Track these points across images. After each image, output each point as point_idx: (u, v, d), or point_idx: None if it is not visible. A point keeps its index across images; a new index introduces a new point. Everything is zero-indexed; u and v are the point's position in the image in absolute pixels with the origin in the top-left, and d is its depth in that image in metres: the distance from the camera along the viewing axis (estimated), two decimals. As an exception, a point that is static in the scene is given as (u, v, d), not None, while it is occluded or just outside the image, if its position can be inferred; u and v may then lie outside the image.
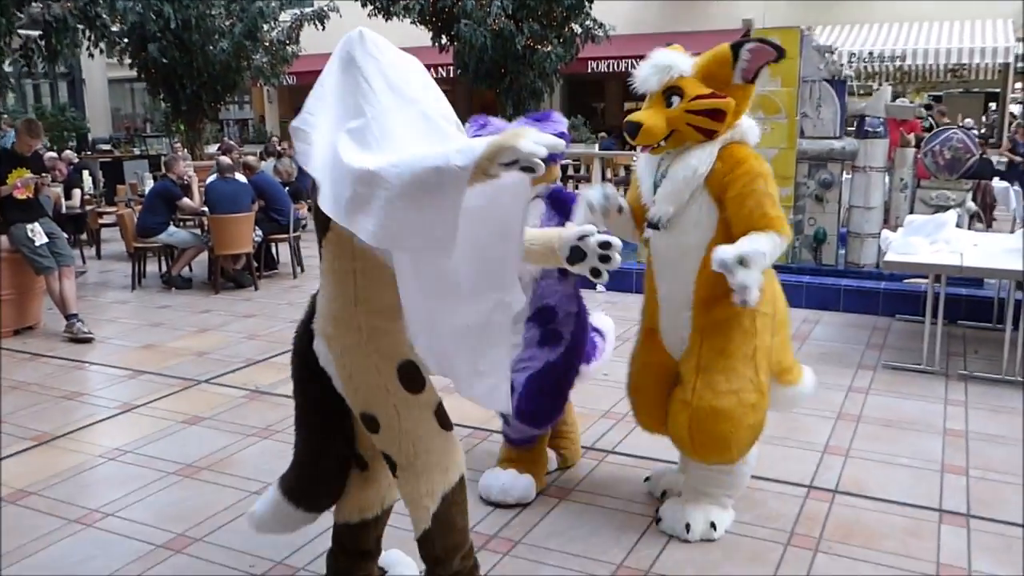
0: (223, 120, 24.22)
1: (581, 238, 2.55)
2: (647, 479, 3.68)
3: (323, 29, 16.11)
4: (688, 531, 3.20)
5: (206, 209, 8.32)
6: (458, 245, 2.03)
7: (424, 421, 2.45)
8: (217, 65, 14.94)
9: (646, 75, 3.00)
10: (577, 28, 15.19)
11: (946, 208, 7.14)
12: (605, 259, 2.53)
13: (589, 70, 19.38)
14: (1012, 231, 9.63)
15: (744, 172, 2.94)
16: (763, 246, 2.83)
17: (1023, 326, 5.07)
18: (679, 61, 2.97)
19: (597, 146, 18.46)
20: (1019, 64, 17.84)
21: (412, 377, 2.41)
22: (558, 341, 3.44)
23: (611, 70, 19.71)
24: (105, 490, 3.78)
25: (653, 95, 3.02)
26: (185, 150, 15.42)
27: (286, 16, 16.36)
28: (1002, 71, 17.84)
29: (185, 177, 9.13)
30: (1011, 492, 3.62)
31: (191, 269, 8.92)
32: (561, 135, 3.14)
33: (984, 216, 9.66)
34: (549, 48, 14.74)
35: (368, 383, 2.40)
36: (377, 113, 2.24)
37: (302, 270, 9.11)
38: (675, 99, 2.95)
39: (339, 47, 2.42)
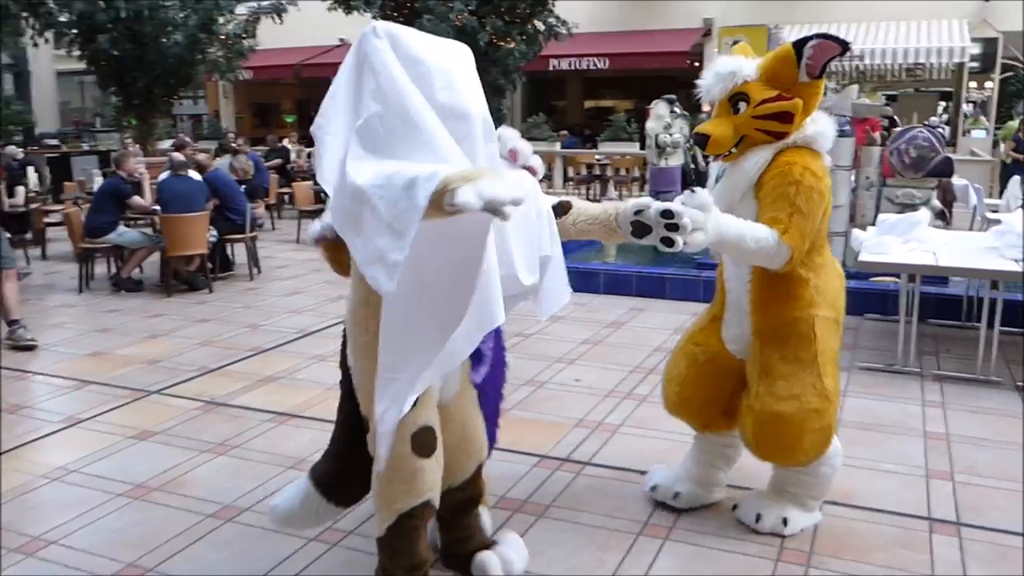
0: (177, 115, 23.64)
1: (638, 212, 2.59)
2: (653, 488, 3.50)
3: (281, 23, 15.75)
4: (757, 521, 3.21)
5: (158, 208, 8.00)
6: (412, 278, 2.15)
7: (399, 442, 2.47)
8: (170, 58, 14.48)
9: (709, 84, 2.98)
10: (540, 25, 15.03)
11: (912, 206, 7.13)
12: (672, 227, 2.55)
13: (551, 68, 19.23)
14: (971, 227, 9.71)
15: (779, 174, 2.90)
16: (744, 230, 2.82)
17: (996, 325, 5.01)
18: (742, 66, 2.93)
19: (559, 144, 18.36)
20: (972, 64, 18.09)
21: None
22: (480, 360, 2.98)
23: (572, 68, 19.60)
24: (48, 514, 3.50)
25: (719, 103, 2.99)
26: (137, 146, 14.94)
27: (242, 9, 15.95)
28: (955, 71, 18.08)
29: (136, 174, 8.77)
30: (1000, 497, 3.53)
31: (142, 271, 8.56)
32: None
33: (946, 214, 9.71)
34: (512, 45, 14.57)
35: (365, 385, 2.51)
36: (385, 111, 2.25)
37: (259, 271, 8.81)
38: (741, 105, 2.92)
39: (355, 43, 2.41)
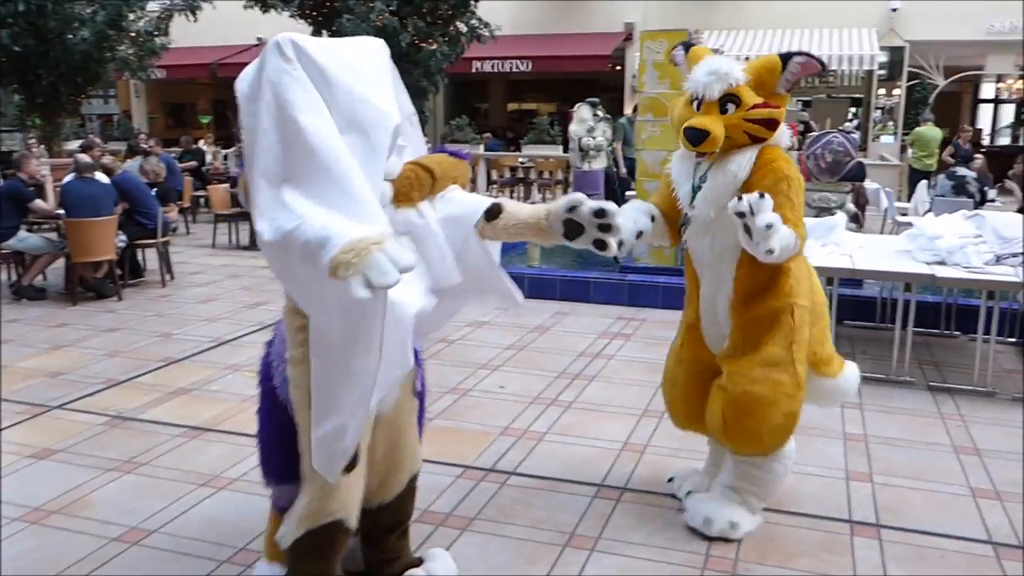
0: (85, 115, 22.68)
1: (571, 209, 2.43)
2: (670, 479, 3.63)
3: (195, 20, 15.25)
4: (707, 526, 3.22)
5: (62, 212, 7.60)
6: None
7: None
8: (77, 55, 13.82)
9: (707, 81, 2.97)
10: (463, 27, 14.94)
11: (828, 210, 7.27)
12: (606, 228, 2.42)
13: (473, 70, 19.15)
14: (882, 230, 10.03)
15: (771, 171, 2.98)
16: (787, 237, 2.90)
17: (910, 326, 5.14)
18: (735, 69, 2.97)
19: (482, 147, 18.28)
20: (880, 72, 18.75)
21: None
22: (419, 364, 2.84)
23: (495, 70, 19.56)
24: (-68, 543, 3.25)
25: (707, 103, 3.00)
26: (41, 147, 14.26)
27: (154, 5, 15.37)
28: (865, 78, 18.71)
29: (38, 176, 8.33)
30: (917, 498, 3.60)
31: (45, 278, 8.14)
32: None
33: (859, 217, 9.99)
34: (435, 47, 14.43)
35: (296, 395, 2.44)
36: (289, 147, 2.16)
37: (172, 278, 8.46)
38: (731, 107, 2.96)
39: (258, 61, 2.27)
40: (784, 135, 3.13)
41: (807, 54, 2.95)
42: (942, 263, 5.00)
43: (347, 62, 2.29)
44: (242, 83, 2.28)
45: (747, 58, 13.83)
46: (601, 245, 2.45)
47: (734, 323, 3.15)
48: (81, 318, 6.91)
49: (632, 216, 3.17)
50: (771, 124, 2.99)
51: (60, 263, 7.87)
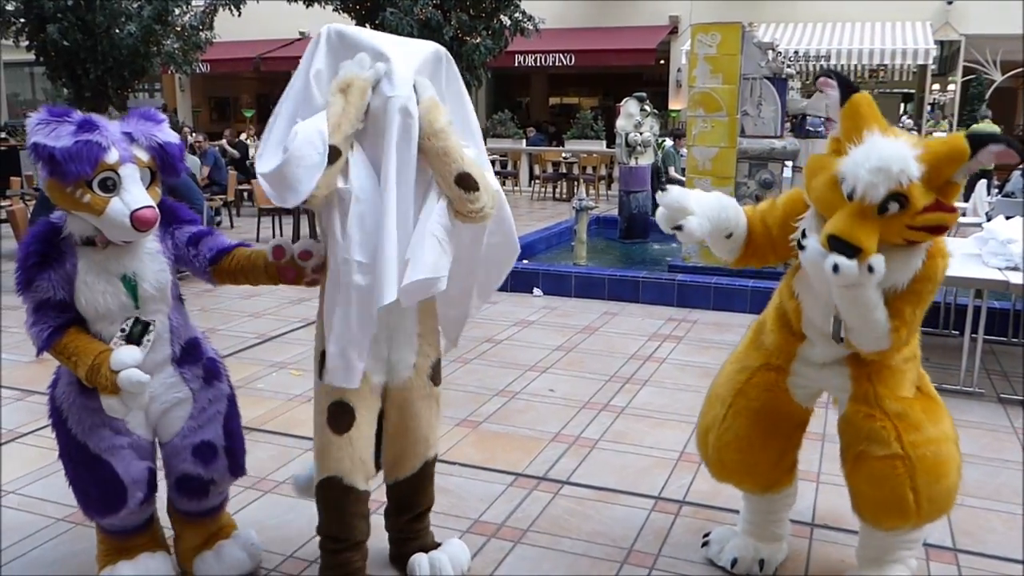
0: (132, 109, 22.98)
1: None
2: (705, 543, 3.11)
3: (239, 15, 15.31)
4: None
5: (109, 206, 7.63)
6: None
7: (318, 412, 2.66)
8: (124, 50, 13.97)
9: (871, 180, 2.23)
10: (506, 20, 14.81)
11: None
12: None
13: (516, 64, 19.04)
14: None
15: (924, 273, 2.40)
16: (874, 298, 2.35)
17: (980, 334, 4.90)
18: (910, 163, 2.22)
19: (524, 141, 18.15)
20: (933, 66, 18.27)
21: (321, 365, 2.60)
22: (217, 371, 2.84)
23: (538, 64, 19.43)
24: (-22, 543, 3.20)
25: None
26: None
27: (199, 0, 15.48)
28: (917, 72, 18.24)
29: (86, 170, 8.37)
30: (995, 521, 3.40)
31: (93, 271, 8.17)
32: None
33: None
34: (478, 40, 14.32)
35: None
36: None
37: (217, 272, 8.45)
38: (893, 206, 2.26)
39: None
40: None
41: (1007, 141, 2.28)
42: (1016, 269, 4.76)
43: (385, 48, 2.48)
44: None
45: (795, 53, 13.35)
46: None
47: (855, 373, 2.61)
48: (127, 312, 6.91)
49: (701, 204, 2.67)
50: (939, 231, 2.36)
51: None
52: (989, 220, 6.15)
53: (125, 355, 2.41)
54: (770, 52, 7.58)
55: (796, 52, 16.67)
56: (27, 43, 14.26)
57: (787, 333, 2.71)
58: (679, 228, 2.65)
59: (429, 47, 2.62)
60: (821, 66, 17.16)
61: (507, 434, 4.25)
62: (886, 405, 2.55)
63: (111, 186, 2.37)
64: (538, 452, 4.02)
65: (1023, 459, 4.00)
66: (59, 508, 3.46)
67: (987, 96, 17.51)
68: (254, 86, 25.85)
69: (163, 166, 2.53)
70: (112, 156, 2.37)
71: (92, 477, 2.59)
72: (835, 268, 2.24)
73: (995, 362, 5.44)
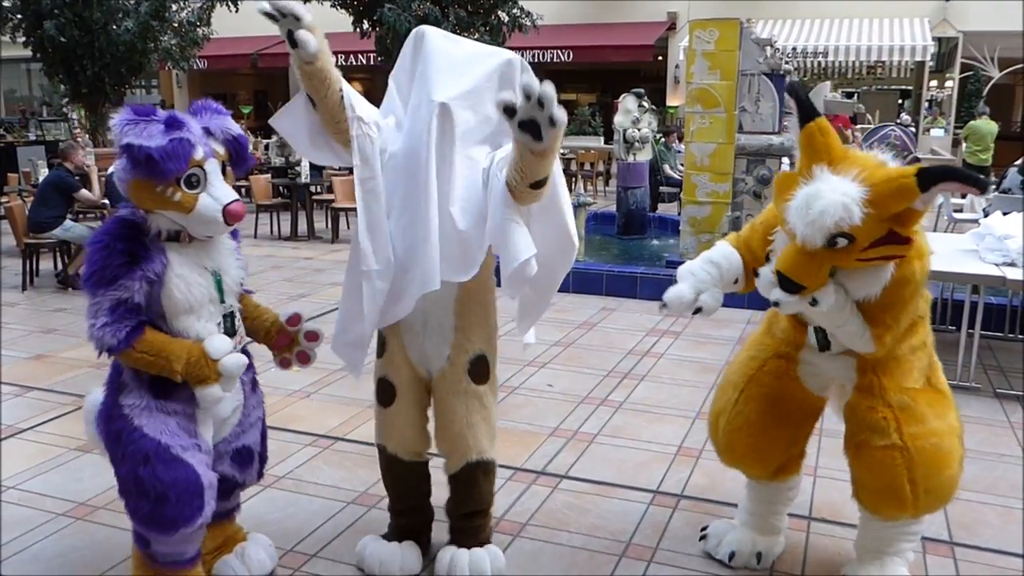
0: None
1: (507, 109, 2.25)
2: (703, 537, 3.13)
3: (236, 11, 15.27)
4: None
5: (107, 201, 7.62)
6: None
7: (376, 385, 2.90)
8: (121, 46, 13.95)
9: (808, 232, 2.25)
10: (504, 16, 14.79)
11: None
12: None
13: (514, 60, 19.02)
14: (935, 227, 9.73)
15: (898, 280, 2.38)
16: (843, 317, 2.42)
17: (977, 330, 4.92)
18: (850, 210, 2.18)
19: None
20: (931, 63, 18.28)
21: (380, 343, 2.86)
22: (255, 377, 2.84)
23: (536, 60, 19.39)
24: (-21, 538, 3.21)
25: None
26: (86, 136, 14.40)
27: (196, -4, 15.46)
28: (915, 69, 18.26)
29: (84, 166, 8.37)
30: (991, 515, 3.42)
31: (91, 267, 8.16)
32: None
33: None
34: (476, 36, 14.29)
35: None
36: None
37: (215, 268, 8.45)
38: (841, 241, 2.26)
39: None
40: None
41: (958, 176, 2.21)
42: (1012, 264, 4.78)
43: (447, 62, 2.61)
44: None
45: (793, 49, 13.35)
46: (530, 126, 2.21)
47: (858, 365, 2.63)
48: (125, 308, 6.91)
49: (699, 280, 2.69)
50: (893, 259, 2.34)
51: (105, 253, 7.88)
52: (986, 216, 6.16)
53: (219, 342, 2.40)
54: (768, 48, 7.59)
55: (794, 49, 16.67)
56: (24, 39, 14.23)
57: (796, 322, 2.73)
58: (699, 311, 2.67)
59: (497, 59, 2.66)
60: (819, 62, 17.19)
61: (506, 429, 4.26)
62: (889, 396, 2.56)
63: (195, 182, 2.35)
64: (537, 447, 4.04)
65: (1023, 454, 4.02)
66: (59, 503, 3.47)
67: (984, 92, 17.53)
68: (251, 82, 25.81)
69: (236, 159, 2.52)
70: (199, 152, 2.36)
71: (174, 479, 2.39)
72: (776, 303, 2.39)
73: (992, 357, 5.46)
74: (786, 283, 2.34)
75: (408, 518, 2.97)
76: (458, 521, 2.92)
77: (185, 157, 2.32)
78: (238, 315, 2.63)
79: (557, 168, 2.57)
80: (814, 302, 2.35)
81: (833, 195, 2.21)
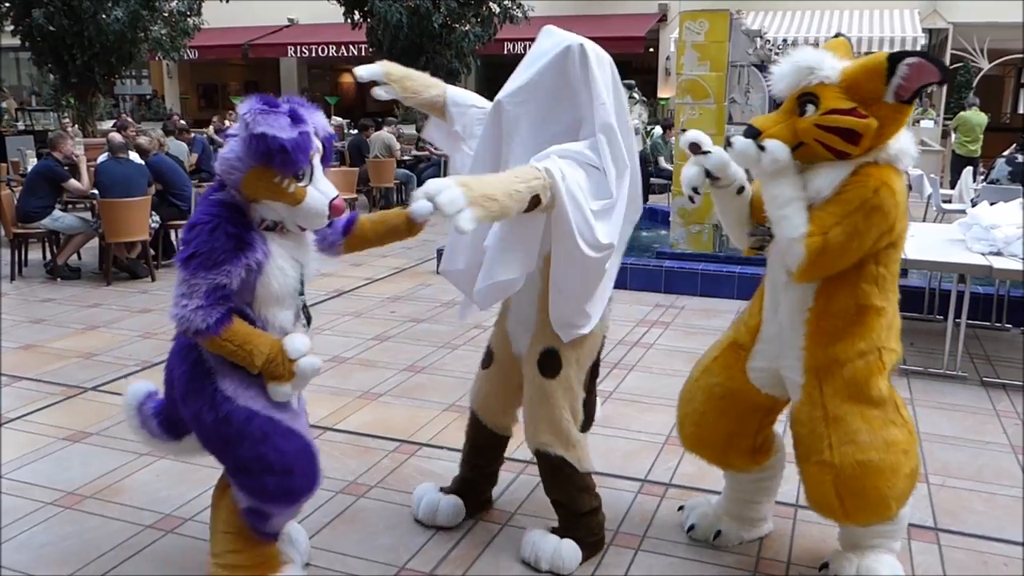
0: (119, 95, 22.82)
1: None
2: (681, 508, 3.27)
3: (227, 1, 15.22)
4: None
5: (96, 192, 7.59)
6: None
7: None
8: (111, 35, 13.86)
9: (781, 74, 2.46)
10: (495, 8, 14.77)
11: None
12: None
13: (505, 52, 18.97)
14: (924, 218, 9.77)
15: (854, 183, 2.41)
16: (786, 193, 2.45)
17: (964, 319, 4.96)
18: (824, 64, 2.40)
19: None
20: (922, 54, 18.33)
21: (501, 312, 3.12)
22: None
23: (527, 52, 19.36)
24: (-33, 527, 3.21)
25: (787, 99, 2.50)
26: (76, 126, 14.32)
27: (186, -15, 15.37)
28: (906, 60, 18.28)
29: (72, 156, 8.33)
30: (976, 501, 3.45)
31: (80, 258, 8.14)
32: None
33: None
34: (467, 27, 14.28)
35: None
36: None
37: (205, 259, 8.42)
38: (809, 108, 2.41)
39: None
40: (906, 145, 2.48)
41: (925, 55, 2.32)
42: (999, 254, 4.81)
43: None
44: None
45: (783, 40, 13.38)
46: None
47: (807, 364, 2.61)
48: (115, 298, 6.91)
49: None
50: (849, 136, 2.38)
51: (94, 242, 7.88)
52: (974, 206, 6.19)
53: (299, 343, 2.41)
54: (758, 40, 7.59)
55: (784, 40, 16.68)
56: (12, 28, 14.14)
57: (757, 308, 2.81)
58: (707, 152, 2.57)
59: (556, 49, 2.70)
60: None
61: (495, 418, 4.27)
62: (828, 406, 2.57)
63: (301, 176, 2.36)
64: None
65: (1008, 441, 4.05)
66: (47, 492, 3.47)
67: (974, 84, 17.57)
68: (243, 73, 25.69)
69: (325, 154, 2.51)
70: (314, 147, 2.38)
71: (295, 449, 2.47)
72: (731, 142, 2.49)
73: (978, 346, 5.50)
74: (749, 130, 2.48)
75: (466, 473, 3.25)
76: (552, 504, 3.03)
77: (308, 151, 2.34)
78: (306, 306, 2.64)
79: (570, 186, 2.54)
80: (762, 148, 2.42)
81: (813, 52, 2.46)
